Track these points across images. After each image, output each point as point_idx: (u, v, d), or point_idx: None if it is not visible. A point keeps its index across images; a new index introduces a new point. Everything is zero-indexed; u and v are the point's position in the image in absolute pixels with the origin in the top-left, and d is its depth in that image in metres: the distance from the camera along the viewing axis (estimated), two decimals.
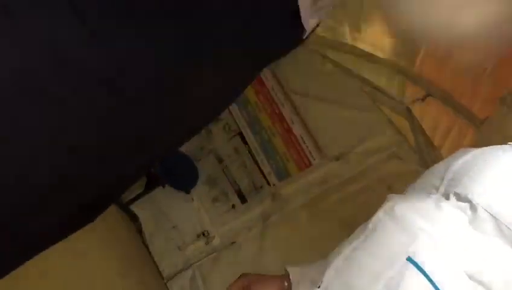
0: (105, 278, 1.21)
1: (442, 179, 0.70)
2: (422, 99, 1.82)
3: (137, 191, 1.98)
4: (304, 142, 2.02)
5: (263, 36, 0.56)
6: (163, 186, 1.99)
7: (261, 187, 2.01)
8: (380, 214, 0.71)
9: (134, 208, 1.98)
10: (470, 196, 0.62)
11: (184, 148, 2.01)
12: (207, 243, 1.95)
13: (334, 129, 1.99)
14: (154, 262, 1.91)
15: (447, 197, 0.67)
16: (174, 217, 1.99)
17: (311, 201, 1.96)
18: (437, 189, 0.70)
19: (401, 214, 0.67)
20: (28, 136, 0.51)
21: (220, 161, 2.05)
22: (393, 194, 0.78)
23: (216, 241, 1.96)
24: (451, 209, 0.64)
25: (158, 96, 0.54)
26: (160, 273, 1.90)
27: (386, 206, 0.72)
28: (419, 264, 0.59)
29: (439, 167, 0.75)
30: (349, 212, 1.91)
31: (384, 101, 1.97)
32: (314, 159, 2.00)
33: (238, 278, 1.00)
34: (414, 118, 1.90)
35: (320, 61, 1.97)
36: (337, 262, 0.70)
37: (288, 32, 0.59)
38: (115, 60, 0.51)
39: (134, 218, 1.97)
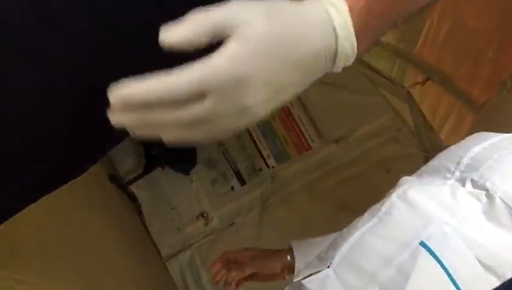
0: (105, 255, 1.22)
1: (458, 163, 0.69)
2: (422, 83, 1.82)
3: (136, 172, 1.98)
4: (304, 125, 2.02)
5: None
6: (163, 168, 2.00)
7: (260, 169, 2.01)
8: (393, 197, 0.70)
9: (134, 188, 1.98)
10: (488, 185, 0.61)
11: None
12: (206, 224, 1.96)
13: (333, 112, 1.99)
14: (153, 242, 1.93)
15: (463, 183, 0.66)
16: (173, 198, 2.00)
17: (310, 183, 1.97)
18: (452, 173, 0.69)
19: (414, 199, 0.66)
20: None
21: (220, 143, 2.06)
22: (407, 177, 0.77)
23: (215, 223, 1.97)
24: (466, 196, 0.63)
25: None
26: (159, 253, 1.91)
27: (400, 190, 0.71)
28: (432, 249, 0.58)
29: (455, 150, 0.74)
30: (348, 195, 1.92)
31: (384, 84, 1.97)
32: (314, 142, 2.00)
33: (239, 250, 1.00)
34: (414, 101, 1.90)
35: None
36: (347, 244, 0.69)
37: None
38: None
39: (133, 198, 1.98)
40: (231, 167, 2.03)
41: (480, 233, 0.59)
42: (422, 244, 0.59)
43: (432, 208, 0.64)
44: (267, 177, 2.00)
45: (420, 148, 1.92)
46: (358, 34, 0.48)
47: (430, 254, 0.58)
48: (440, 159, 0.77)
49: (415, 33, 1.72)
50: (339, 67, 0.51)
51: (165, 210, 1.99)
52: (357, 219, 0.77)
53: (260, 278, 1.15)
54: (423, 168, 0.80)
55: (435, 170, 0.75)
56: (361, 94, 1.97)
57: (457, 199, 0.63)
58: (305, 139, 2.02)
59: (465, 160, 0.68)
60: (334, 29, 0.46)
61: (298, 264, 1.01)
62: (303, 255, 1.01)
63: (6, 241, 0.64)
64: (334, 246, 0.72)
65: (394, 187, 0.78)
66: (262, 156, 2.03)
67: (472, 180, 0.65)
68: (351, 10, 0.47)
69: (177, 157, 1.97)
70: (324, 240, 0.98)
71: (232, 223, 1.96)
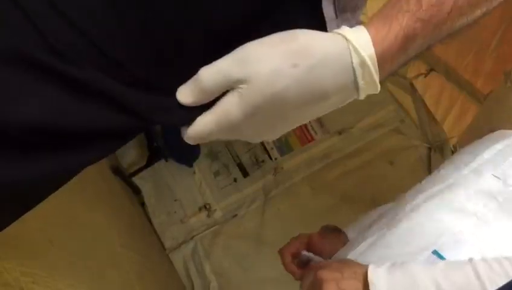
0: (109, 247, 1.23)
1: (476, 156, 0.70)
2: (426, 74, 1.82)
3: (140, 164, 1.98)
4: None
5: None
6: (166, 160, 2.00)
7: (263, 161, 2.01)
8: (406, 208, 0.69)
9: (137, 180, 1.99)
10: (509, 181, 0.62)
11: None
12: (209, 215, 1.97)
13: None
14: (157, 234, 1.94)
15: (479, 175, 0.66)
16: (176, 190, 2.00)
17: (312, 175, 1.97)
18: (467, 165, 0.69)
19: (427, 209, 0.66)
20: None
21: None
22: (424, 181, 0.76)
23: (218, 214, 1.97)
24: (480, 196, 0.63)
25: None
26: (162, 244, 1.92)
27: (413, 200, 0.71)
28: (445, 257, 0.58)
29: (475, 145, 0.74)
30: (350, 187, 1.92)
31: None
32: (317, 134, 2.00)
33: (292, 240, 0.96)
34: (417, 93, 1.90)
35: None
36: (359, 249, 0.69)
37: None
38: None
39: (136, 190, 1.98)
40: (234, 158, 2.03)
41: (495, 234, 0.59)
42: (435, 253, 0.59)
43: (445, 217, 0.63)
44: (270, 169, 2.00)
45: (423, 140, 1.92)
46: (381, 63, 0.48)
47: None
48: (459, 153, 0.77)
49: None
50: (362, 96, 0.50)
51: (168, 202, 1.99)
52: (374, 214, 0.77)
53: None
54: (441, 167, 0.80)
55: (451, 163, 0.74)
56: None
57: (471, 200, 0.63)
58: (308, 130, 2.02)
59: (486, 155, 0.69)
60: (354, 70, 0.47)
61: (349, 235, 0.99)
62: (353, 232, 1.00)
63: (13, 234, 0.65)
64: (350, 246, 0.72)
65: (408, 191, 0.77)
66: (265, 148, 2.03)
67: (493, 176, 0.65)
68: (373, 41, 0.47)
69: (180, 150, 1.97)
70: (368, 216, 0.97)
71: (235, 215, 1.96)
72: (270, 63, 0.45)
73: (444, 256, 0.58)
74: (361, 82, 0.47)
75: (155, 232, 1.94)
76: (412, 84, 1.89)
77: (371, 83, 0.48)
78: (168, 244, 1.93)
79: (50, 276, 0.83)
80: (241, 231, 1.94)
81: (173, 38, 0.51)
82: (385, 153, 1.94)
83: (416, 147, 1.93)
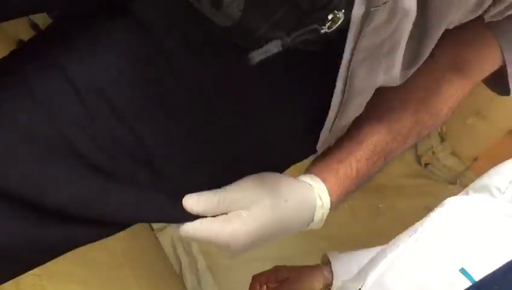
0: None
1: (510, 182, 0.69)
2: None
3: None
4: None
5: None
6: None
7: None
8: (431, 217, 0.68)
9: None
10: None
11: None
12: None
13: None
14: None
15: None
16: None
17: None
18: (502, 192, 0.69)
19: (454, 222, 0.65)
20: None
21: None
22: (452, 197, 0.75)
23: None
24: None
25: None
26: (150, 224, 1.92)
27: (438, 211, 0.69)
28: (473, 277, 0.55)
29: (507, 169, 0.73)
30: None
31: None
32: None
33: (270, 270, 0.95)
34: None
35: None
36: (381, 266, 0.66)
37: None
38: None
39: None
40: None
41: None
42: (463, 271, 0.57)
43: (473, 232, 0.62)
44: None
45: None
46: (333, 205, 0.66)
47: (471, 282, 0.55)
48: (490, 178, 0.74)
49: None
50: (307, 229, 0.67)
51: None
52: (395, 238, 0.75)
53: None
54: (471, 185, 0.78)
55: (483, 188, 0.72)
56: None
57: (504, 225, 0.61)
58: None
59: None
60: (321, 214, 0.64)
61: (336, 282, 0.97)
62: (341, 270, 0.97)
63: None
64: (370, 266, 0.69)
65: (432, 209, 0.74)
66: None
67: None
68: (332, 198, 0.65)
69: None
70: (365, 253, 0.94)
71: None
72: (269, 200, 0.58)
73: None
74: (316, 218, 0.64)
75: None
76: None
77: (320, 222, 0.65)
78: (156, 224, 1.93)
79: None
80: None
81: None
82: None
83: None
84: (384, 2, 0.44)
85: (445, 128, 1.84)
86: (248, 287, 1.80)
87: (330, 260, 0.88)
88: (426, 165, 1.87)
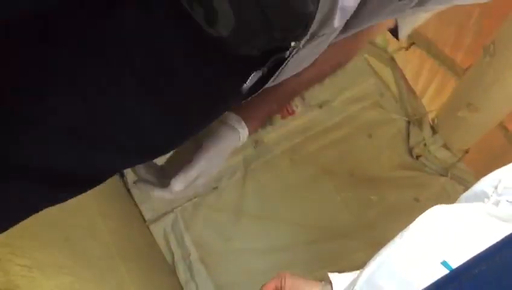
0: (89, 218, 1.22)
1: (496, 187, 0.71)
2: (406, 48, 1.83)
3: None
4: None
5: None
6: None
7: None
8: (418, 219, 0.69)
9: None
10: None
11: None
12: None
13: None
14: (137, 205, 1.93)
15: (497, 204, 0.68)
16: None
17: (292, 148, 1.98)
18: (489, 197, 0.71)
19: (440, 220, 0.65)
20: None
21: None
22: (439, 206, 0.76)
23: (198, 187, 1.97)
24: (496, 221, 0.63)
25: None
26: (142, 216, 1.92)
27: (426, 214, 0.70)
28: (452, 267, 0.57)
29: (492, 176, 0.75)
30: (330, 159, 1.94)
31: (368, 49, 1.96)
32: (297, 107, 2.00)
33: (274, 277, 0.94)
34: (397, 66, 1.91)
35: None
36: (371, 266, 0.68)
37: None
38: None
39: None
40: None
41: None
42: (445, 264, 0.58)
43: (456, 229, 0.63)
44: (250, 141, 2.00)
45: (402, 113, 1.93)
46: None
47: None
48: (480, 184, 0.76)
49: None
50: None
51: None
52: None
53: None
54: (462, 195, 0.79)
55: (474, 196, 0.74)
56: None
57: (486, 223, 0.63)
58: (289, 104, 2.02)
59: (503, 183, 0.70)
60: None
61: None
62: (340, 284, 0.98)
63: None
64: (363, 269, 0.70)
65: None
66: None
67: (508, 201, 0.67)
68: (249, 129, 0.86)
69: None
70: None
71: (215, 187, 1.97)
72: None
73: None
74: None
75: (135, 204, 1.93)
76: (392, 58, 1.90)
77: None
78: (148, 216, 1.93)
79: (28, 246, 0.83)
80: (221, 203, 1.94)
81: None
82: (364, 126, 1.95)
83: (395, 120, 1.94)
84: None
85: (436, 120, 1.85)
86: (240, 277, 1.81)
87: (332, 281, 0.87)
88: (418, 157, 1.88)
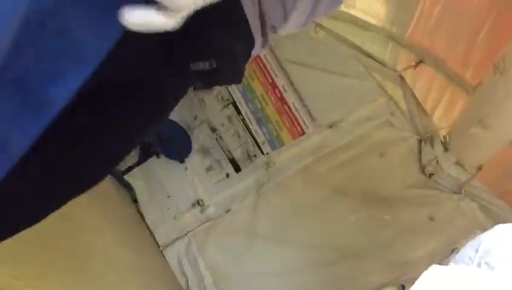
0: (103, 246, 1.23)
1: (477, 251, 0.79)
2: (415, 66, 1.82)
3: (131, 161, 1.98)
4: (297, 111, 2.02)
5: None
6: (158, 156, 1.99)
7: (255, 156, 2.02)
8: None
9: (129, 178, 1.98)
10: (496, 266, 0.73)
11: (177, 118, 2.01)
12: (202, 211, 1.97)
13: (327, 97, 1.99)
14: (150, 231, 1.94)
15: (479, 266, 0.76)
16: (169, 186, 2.00)
17: (304, 169, 1.97)
18: (472, 260, 0.79)
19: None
20: None
21: (214, 130, 2.06)
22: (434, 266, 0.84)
23: (210, 210, 1.98)
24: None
25: None
26: (156, 241, 1.92)
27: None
28: None
29: (474, 241, 0.83)
30: (342, 179, 1.93)
31: (376, 68, 1.96)
32: (308, 128, 2.01)
33: None
34: (406, 85, 1.90)
35: (314, 29, 1.96)
36: None
37: None
38: None
39: (128, 188, 1.98)
40: (226, 154, 2.03)
41: None
42: None
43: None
44: (262, 163, 2.00)
45: (413, 132, 1.93)
46: None
47: None
48: (465, 249, 0.84)
49: (407, 17, 1.72)
50: None
51: (161, 198, 1.99)
52: None
53: None
54: (450, 257, 0.89)
55: (460, 259, 0.82)
56: (354, 78, 1.97)
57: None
58: (299, 124, 2.02)
59: (482, 247, 0.79)
60: None
61: None
62: None
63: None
64: None
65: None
66: (256, 143, 2.03)
67: (486, 263, 0.75)
68: None
69: (172, 146, 1.97)
70: None
71: (228, 210, 1.97)
72: None
73: None
74: None
75: (148, 229, 1.94)
76: (401, 76, 1.90)
77: None
78: (161, 241, 1.93)
79: (43, 277, 0.83)
80: (234, 226, 1.94)
81: None
82: (376, 145, 1.95)
83: (407, 139, 1.94)
84: None
85: (448, 137, 1.84)
86: None
87: None
88: (431, 175, 1.86)
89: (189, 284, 1.86)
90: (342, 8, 1.88)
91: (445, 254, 0.79)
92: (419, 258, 1.69)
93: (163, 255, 1.92)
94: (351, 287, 1.75)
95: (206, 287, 1.86)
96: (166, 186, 2.00)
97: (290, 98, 2.03)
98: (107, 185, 1.68)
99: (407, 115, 1.94)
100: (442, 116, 1.86)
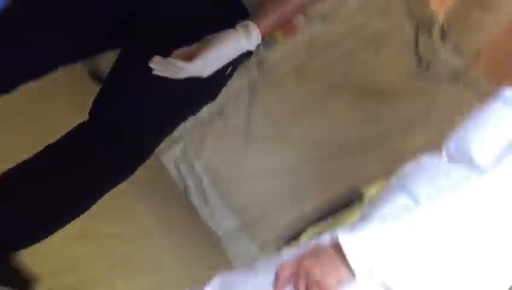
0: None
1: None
2: None
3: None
4: None
5: None
6: None
7: None
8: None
9: None
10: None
11: None
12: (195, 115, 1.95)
13: None
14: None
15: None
16: None
17: (297, 66, 1.93)
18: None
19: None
20: None
21: None
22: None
23: (203, 113, 1.95)
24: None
25: None
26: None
27: None
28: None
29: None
30: (337, 75, 1.89)
31: None
32: (299, 22, 1.93)
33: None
34: None
35: None
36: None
37: None
38: None
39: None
40: None
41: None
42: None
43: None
44: (254, 63, 1.95)
45: (410, 20, 1.86)
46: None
47: None
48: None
49: None
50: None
51: None
52: None
53: None
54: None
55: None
56: None
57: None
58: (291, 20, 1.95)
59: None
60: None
61: None
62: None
63: None
64: None
65: None
66: None
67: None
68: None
69: None
70: None
71: (221, 113, 1.94)
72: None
73: None
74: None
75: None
76: None
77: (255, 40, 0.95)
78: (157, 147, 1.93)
79: None
80: (229, 127, 1.93)
81: None
82: (371, 38, 1.89)
83: (403, 29, 1.87)
84: None
85: (446, 23, 1.79)
86: (254, 199, 1.84)
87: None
88: (428, 66, 1.84)
89: (188, 187, 1.89)
90: None
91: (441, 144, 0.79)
92: (416, 148, 1.70)
93: (161, 160, 1.93)
94: (350, 180, 1.78)
95: (206, 190, 1.89)
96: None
97: None
98: (93, 93, 1.66)
99: (403, 3, 1.87)
100: (439, 2, 1.81)
